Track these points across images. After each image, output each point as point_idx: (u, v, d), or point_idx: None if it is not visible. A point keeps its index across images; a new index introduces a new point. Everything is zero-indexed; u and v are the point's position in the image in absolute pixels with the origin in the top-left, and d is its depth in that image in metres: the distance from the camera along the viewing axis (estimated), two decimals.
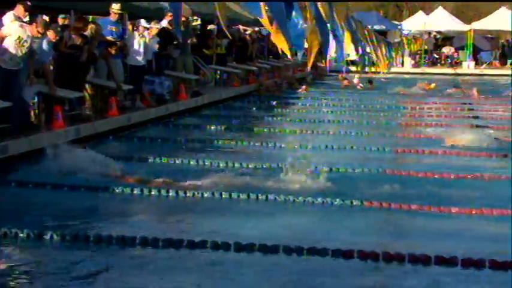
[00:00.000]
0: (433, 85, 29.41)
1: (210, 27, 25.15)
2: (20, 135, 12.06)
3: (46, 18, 14.29)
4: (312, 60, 20.89)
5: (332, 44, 20.64)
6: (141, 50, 16.99)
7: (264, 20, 13.72)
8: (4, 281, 6.66)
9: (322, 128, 17.36)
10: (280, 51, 17.11)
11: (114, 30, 16.64)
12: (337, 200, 9.65)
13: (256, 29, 29.55)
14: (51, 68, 14.12)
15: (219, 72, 25.21)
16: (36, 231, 7.78)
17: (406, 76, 37.99)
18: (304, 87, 28.88)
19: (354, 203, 9.57)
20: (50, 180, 10.46)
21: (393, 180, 11.17)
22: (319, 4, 17.21)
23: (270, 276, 6.99)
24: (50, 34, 13.38)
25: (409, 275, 7.11)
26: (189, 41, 20.82)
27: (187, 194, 10.07)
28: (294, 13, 15.04)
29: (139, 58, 17.05)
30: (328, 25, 18.93)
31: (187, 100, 19.81)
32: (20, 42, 12.09)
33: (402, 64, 43.48)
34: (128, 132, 15.83)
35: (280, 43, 14.46)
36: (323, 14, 17.65)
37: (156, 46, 18.18)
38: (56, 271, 6.99)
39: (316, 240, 7.73)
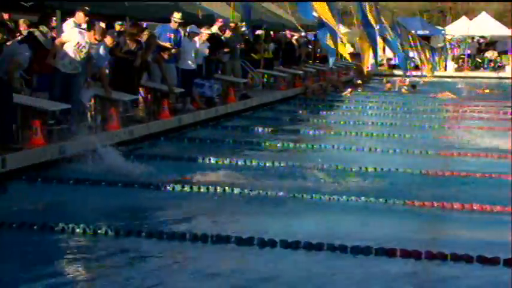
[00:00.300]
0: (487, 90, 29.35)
1: (258, 32, 25.36)
2: (78, 135, 12.08)
3: (103, 25, 14.53)
4: (366, 63, 21.15)
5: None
6: (192, 54, 17.13)
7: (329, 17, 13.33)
8: (63, 273, 6.78)
9: (366, 130, 17.30)
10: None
11: (172, 37, 16.73)
12: (380, 199, 9.59)
13: (303, 34, 29.53)
14: (107, 72, 14.29)
15: (266, 76, 25.28)
16: (91, 227, 7.88)
17: (449, 80, 37.57)
18: (349, 90, 28.73)
19: (397, 203, 9.48)
20: (104, 178, 10.57)
21: (435, 181, 11.20)
22: (367, 9, 17.37)
23: (313, 271, 6.96)
24: (107, 40, 13.57)
25: (452, 275, 6.96)
26: (238, 46, 20.93)
27: (235, 192, 10.05)
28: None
29: (190, 62, 17.17)
30: (377, 29, 19.07)
31: (235, 103, 19.87)
32: (78, 47, 12.32)
33: (445, 68, 43.03)
34: (178, 133, 15.89)
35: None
36: (371, 19, 17.77)
37: (207, 51, 18.20)
38: (113, 264, 7.09)
39: (358, 238, 7.70)
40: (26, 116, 11.48)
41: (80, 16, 12.72)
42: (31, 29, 13.35)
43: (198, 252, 7.62)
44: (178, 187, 10.40)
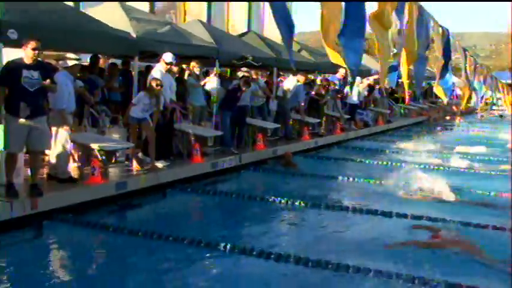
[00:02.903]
0: None
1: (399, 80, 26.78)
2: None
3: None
4: (464, 103, 23.20)
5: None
6: (356, 94, 18.47)
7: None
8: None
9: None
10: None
11: (338, 82, 17.67)
12: None
13: None
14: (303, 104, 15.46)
15: (403, 108, 26.27)
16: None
17: None
18: (458, 118, 29.64)
19: None
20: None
21: None
22: (467, 67, 19.16)
23: None
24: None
25: None
26: (383, 89, 21.67)
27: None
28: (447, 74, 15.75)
29: (355, 99, 18.53)
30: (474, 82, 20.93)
31: (382, 125, 21.21)
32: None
33: None
34: (345, 143, 16.72)
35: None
36: (469, 74, 19.63)
37: (366, 93, 19.82)
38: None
39: None
40: (189, 140, 10.98)
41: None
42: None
43: None
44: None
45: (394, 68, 14.99)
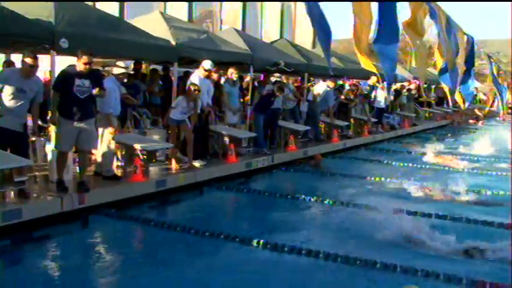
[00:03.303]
0: None
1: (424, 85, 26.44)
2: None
3: None
4: (488, 107, 22.89)
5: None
6: (383, 99, 18.39)
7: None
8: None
9: None
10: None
11: (368, 89, 18.14)
12: None
13: None
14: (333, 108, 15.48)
15: (428, 112, 26.15)
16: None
17: None
18: (481, 121, 29.22)
19: None
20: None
21: None
22: (493, 71, 18.97)
23: None
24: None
25: None
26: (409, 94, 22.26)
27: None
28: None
29: (382, 103, 18.51)
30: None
31: (408, 128, 20.97)
32: None
33: None
34: (372, 145, 16.61)
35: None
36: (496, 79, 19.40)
37: (392, 97, 19.62)
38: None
39: None
40: (224, 141, 11.09)
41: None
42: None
43: None
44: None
45: (445, 71, 14.78)
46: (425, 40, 11.59)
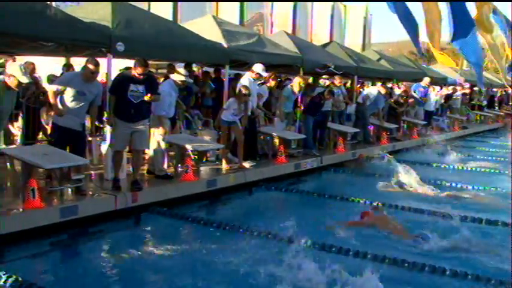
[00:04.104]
0: None
1: (475, 88, 25.71)
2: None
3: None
4: None
5: None
6: (433, 102, 18.26)
7: None
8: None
9: None
10: None
11: (421, 90, 17.57)
12: None
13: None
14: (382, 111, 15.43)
15: (479, 115, 25.61)
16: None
17: None
18: None
19: None
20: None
21: None
22: None
23: None
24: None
25: None
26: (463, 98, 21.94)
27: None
28: None
29: (431, 106, 18.25)
30: None
31: (458, 131, 20.79)
32: None
33: None
34: (423, 147, 16.16)
35: None
36: None
37: (443, 101, 19.41)
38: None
39: None
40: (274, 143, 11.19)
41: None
42: None
43: None
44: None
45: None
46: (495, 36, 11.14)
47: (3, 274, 4.96)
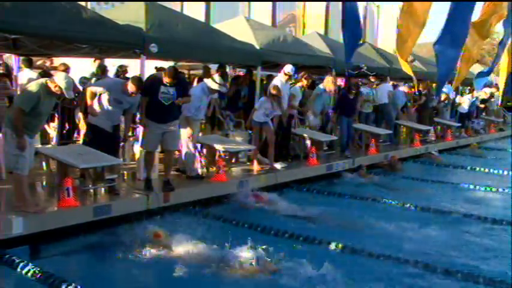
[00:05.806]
0: None
1: None
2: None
3: None
4: None
5: None
6: (467, 103, 18.04)
7: None
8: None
9: None
10: None
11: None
12: None
13: None
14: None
15: None
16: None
17: None
18: None
19: None
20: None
21: None
22: None
23: None
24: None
25: None
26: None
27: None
28: None
29: (465, 108, 18.07)
30: None
31: (494, 133, 20.52)
32: None
33: None
34: (455, 150, 16.34)
35: None
36: None
37: (478, 102, 19.05)
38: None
39: None
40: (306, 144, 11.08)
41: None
42: None
43: None
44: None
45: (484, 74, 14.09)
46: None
47: (32, 267, 5.14)
